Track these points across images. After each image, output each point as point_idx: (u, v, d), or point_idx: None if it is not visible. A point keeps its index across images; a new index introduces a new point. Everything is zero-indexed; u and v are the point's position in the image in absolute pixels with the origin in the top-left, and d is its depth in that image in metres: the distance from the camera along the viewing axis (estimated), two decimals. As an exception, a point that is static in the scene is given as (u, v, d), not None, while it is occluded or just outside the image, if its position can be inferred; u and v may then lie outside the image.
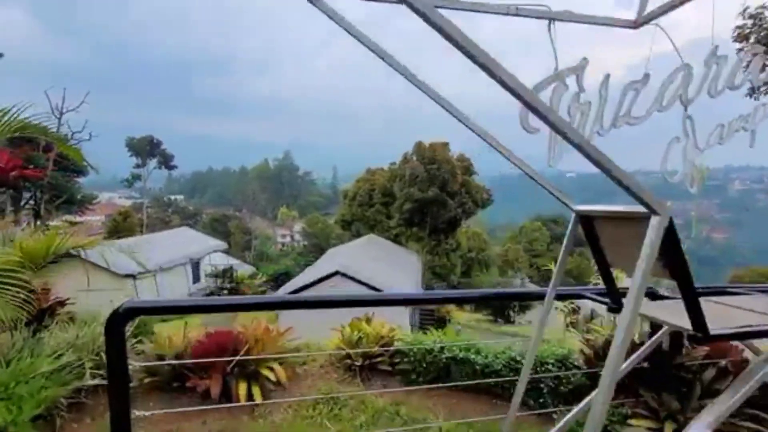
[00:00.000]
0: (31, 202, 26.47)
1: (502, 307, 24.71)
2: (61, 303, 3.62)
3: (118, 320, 1.84)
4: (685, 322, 1.81)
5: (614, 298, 2.32)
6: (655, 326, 2.68)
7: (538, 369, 2.89)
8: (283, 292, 14.92)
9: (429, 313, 19.14)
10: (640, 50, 2.01)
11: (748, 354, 2.76)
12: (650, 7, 1.92)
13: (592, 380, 2.74)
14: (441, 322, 20.01)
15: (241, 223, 52.66)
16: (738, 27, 8.22)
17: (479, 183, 22.92)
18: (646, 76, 1.89)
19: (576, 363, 2.99)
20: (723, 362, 2.77)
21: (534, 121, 1.89)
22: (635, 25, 1.96)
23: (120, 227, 32.41)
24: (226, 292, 22.76)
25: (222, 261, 27.81)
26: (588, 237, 2.22)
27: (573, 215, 2.24)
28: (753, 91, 6.91)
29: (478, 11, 1.84)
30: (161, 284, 18.90)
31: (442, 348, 3.17)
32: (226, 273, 24.11)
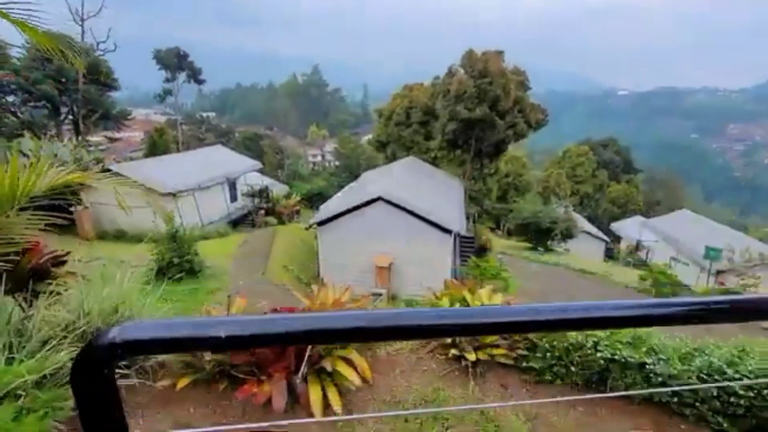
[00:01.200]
0: (70, 117, 26.45)
1: (540, 232, 23.61)
2: (56, 260, 2.71)
3: (99, 363, 0.88)
4: None
5: None
6: None
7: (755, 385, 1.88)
8: (321, 215, 14.42)
9: (469, 241, 18.46)
10: None
11: None
12: None
13: None
14: (482, 250, 19.43)
15: (273, 142, 52.18)
16: None
17: (534, 101, 20.26)
18: None
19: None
20: None
21: None
22: None
23: (157, 144, 32.51)
24: (263, 212, 22.84)
25: (256, 180, 27.74)
26: None
27: None
28: None
29: None
30: (200, 203, 18.98)
31: (596, 344, 2.21)
32: (263, 193, 24.04)
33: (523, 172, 42.73)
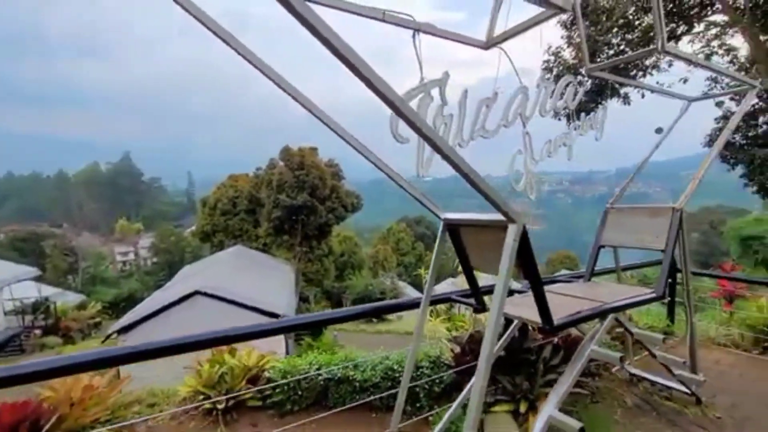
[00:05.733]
0: None
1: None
2: None
3: None
4: (536, 316, 2.04)
5: (478, 299, 2.51)
6: (508, 318, 2.99)
7: (414, 374, 2.94)
8: (123, 322, 12.36)
9: (304, 322, 18.56)
10: (492, 70, 2.17)
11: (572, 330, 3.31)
12: (497, 32, 2.11)
13: (464, 375, 2.92)
14: (318, 332, 19.69)
15: (61, 242, 42.31)
16: (545, 61, 10.28)
17: (349, 188, 23.43)
18: (495, 94, 2.06)
19: (447, 362, 3.16)
20: (555, 340, 3.30)
21: (403, 130, 1.86)
22: (486, 46, 2.13)
23: None
24: (38, 331, 17.77)
25: (32, 292, 21.62)
26: (454, 242, 2.34)
27: (441, 223, 2.34)
28: (569, 118, 8.74)
29: (347, 11, 1.73)
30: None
31: (318, 369, 2.95)
32: (39, 308, 18.86)
33: (356, 250, 46.28)
